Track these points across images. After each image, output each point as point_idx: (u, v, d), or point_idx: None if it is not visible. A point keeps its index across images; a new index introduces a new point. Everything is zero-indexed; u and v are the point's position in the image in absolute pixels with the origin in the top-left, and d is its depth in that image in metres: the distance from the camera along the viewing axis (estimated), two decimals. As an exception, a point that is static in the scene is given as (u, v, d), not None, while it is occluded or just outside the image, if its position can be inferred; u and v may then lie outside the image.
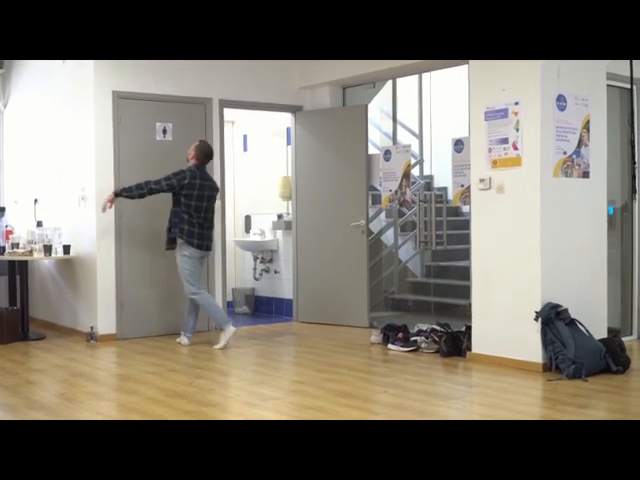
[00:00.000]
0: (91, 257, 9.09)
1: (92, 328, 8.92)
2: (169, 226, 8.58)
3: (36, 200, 10.07)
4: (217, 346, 8.53)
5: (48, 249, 9.06)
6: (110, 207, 8.68)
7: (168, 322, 9.24)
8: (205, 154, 8.71)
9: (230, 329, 8.55)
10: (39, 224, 9.68)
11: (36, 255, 9.16)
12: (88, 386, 6.85)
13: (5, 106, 11.37)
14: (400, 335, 8.33)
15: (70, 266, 9.54)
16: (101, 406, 6.13)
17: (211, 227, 8.77)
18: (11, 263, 9.58)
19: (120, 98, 9.06)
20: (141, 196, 8.51)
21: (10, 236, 9.44)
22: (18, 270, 9.51)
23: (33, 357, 8.29)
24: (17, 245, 9.23)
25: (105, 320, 9.00)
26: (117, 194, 8.54)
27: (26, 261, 9.33)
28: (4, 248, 9.19)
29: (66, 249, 9.21)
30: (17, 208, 10.70)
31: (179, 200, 8.51)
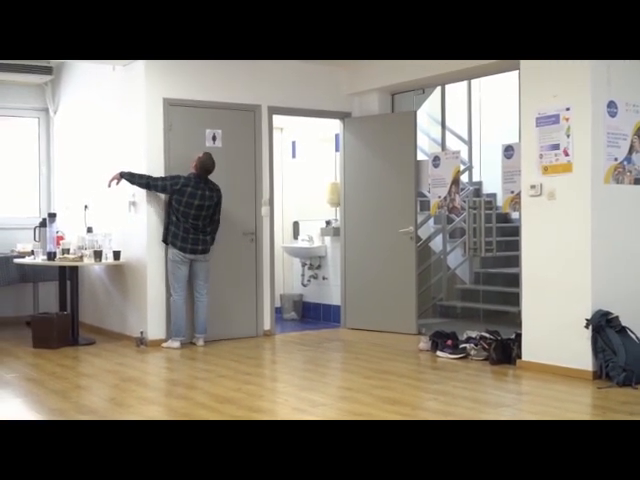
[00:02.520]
0: (141, 263, 9.16)
1: (142, 333, 8.98)
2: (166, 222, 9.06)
3: (86, 206, 10.15)
4: (165, 344, 8.98)
5: (98, 255, 9.14)
6: (117, 184, 9.01)
7: (218, 327, 9.27)
8: (203, 167, 8.94)
9: (174, 344, 8.92)
10: (89, 230, 9.76)
11: (86, 261, 9.25)
12: (138, 391, 6.89)
13: (55, 112, 11.49)
14: (449, 342, 8.29)
15: (120, 272, 9.61)
16: (151, 411, 6.17)
17: (203, 233, 8.96)
18: (62, 268, 9.68)
19: (170, 105, 9.12)
20: (139, 186, 8.95)
21: (61, 242, 9.52)
22: (68, 275, 9.61)
23: (83, 362, 8.36)
24: (68, 251, 9.30)
25: (155, 325, 9.06)
26: (122, 174, 8.93)
27: (76, 267, 9.41)
28: (55, 254, 9.26)
29: (116, 255, 9.29)
30: (68, 214, 10.79)
31: (170, 202, 8.90)
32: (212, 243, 9.11)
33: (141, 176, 8.89)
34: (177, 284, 8.91)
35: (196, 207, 8.82)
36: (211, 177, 9.00)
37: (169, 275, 8.97)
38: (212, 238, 9.10)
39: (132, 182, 8.91)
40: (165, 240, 8.98)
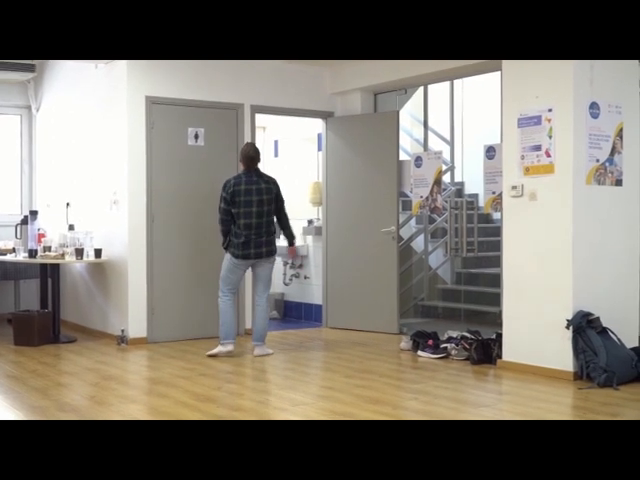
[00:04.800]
0: (122, 261, 9.13)
1: (123, 331, 8.96)
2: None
3: (68, 204, 10.13)
4: (209, 351, 8.36)
5: (80, 252, 9.11)
6: None
7: (199, 326, 9.26)
8: (246, 157, 8.30)
9: (226, 348, 8.30)
10: (71, 227, 9.74)
11: (68, 258, 9.20)
12: (119, 389, 6.88)
13: (37, 110, 11.46)
14: (430, 342, 8.30)
15: (101, 269, 9.59)
16: (131, 409, 6.16)
17: (267, 233, 8.29)
18: (43, 266, 9.63)
19: (153, 103, 9.10)
20: (229, 233, 8.29)
21: (42, 239, 9.49)
22: (50, 273, 9.58)
23: (64, 360, 8.33)
24: (49, 248, 9.28)
25: (136, 323, 9.03)
26: (226, 248, 8.34)
27: (58, 264, 9.39)
28: (36, 251, 9.23)
29: (97, 253, 9.26)
30: (49, 211, 10.76)
31: (230, 211, 8.23)
32: (288, 238, 8.68)
33: (223, 232, 8.34)
34: (227, 286, 8.37)
35: (256, 203, 8.21)
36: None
37: (222, 275, 8.39)
38: (289, 233, 8.62)
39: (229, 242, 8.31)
40: (226, 247, 8.35)
